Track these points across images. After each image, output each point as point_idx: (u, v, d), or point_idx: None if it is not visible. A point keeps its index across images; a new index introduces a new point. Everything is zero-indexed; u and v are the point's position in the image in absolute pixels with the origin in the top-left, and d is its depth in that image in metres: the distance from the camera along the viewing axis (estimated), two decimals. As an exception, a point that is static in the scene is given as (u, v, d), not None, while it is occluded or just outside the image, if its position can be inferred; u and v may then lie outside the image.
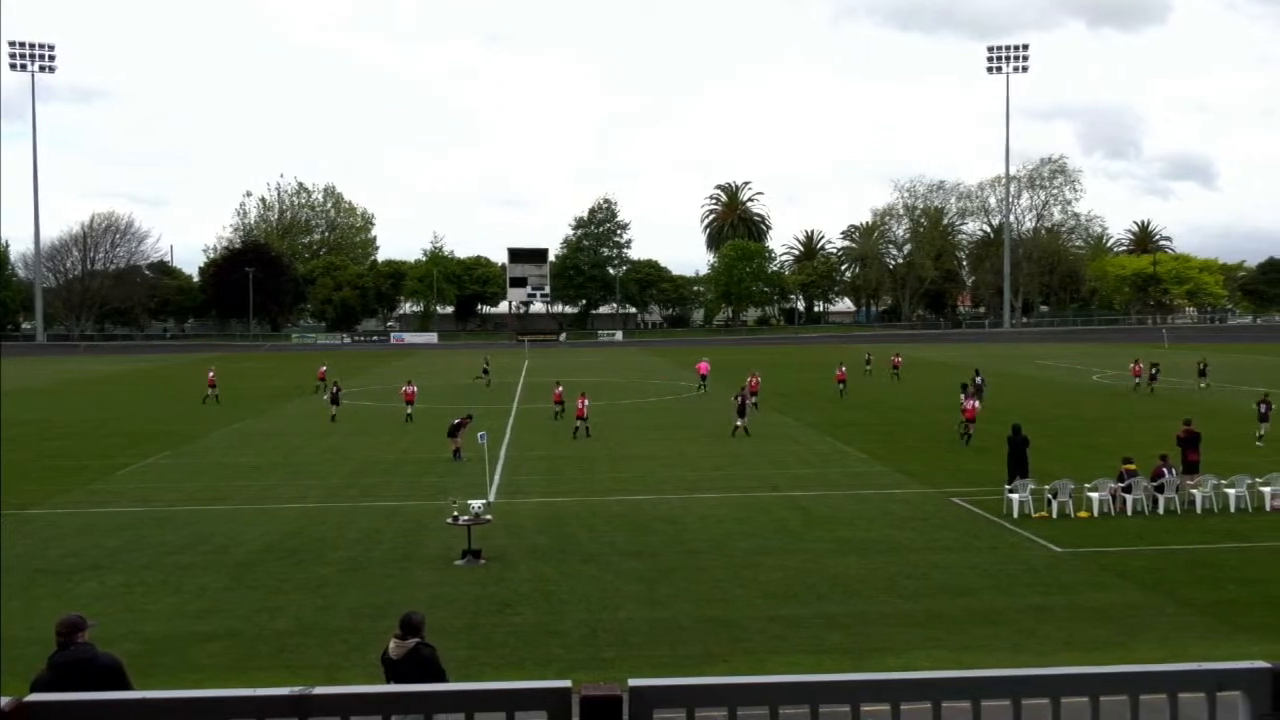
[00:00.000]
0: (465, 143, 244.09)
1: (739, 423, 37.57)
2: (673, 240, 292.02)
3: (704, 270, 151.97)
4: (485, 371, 63.63)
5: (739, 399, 38.62)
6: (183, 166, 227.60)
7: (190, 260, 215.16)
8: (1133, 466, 23.74)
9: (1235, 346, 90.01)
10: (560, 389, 44.07)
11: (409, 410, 43.28)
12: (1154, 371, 53.83)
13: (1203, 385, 54.87)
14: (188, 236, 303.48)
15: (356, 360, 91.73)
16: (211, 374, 54.66)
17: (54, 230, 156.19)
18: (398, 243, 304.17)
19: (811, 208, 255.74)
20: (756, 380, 48.41)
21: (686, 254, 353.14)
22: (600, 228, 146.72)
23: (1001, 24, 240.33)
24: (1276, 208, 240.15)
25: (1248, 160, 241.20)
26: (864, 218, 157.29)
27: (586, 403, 38.60)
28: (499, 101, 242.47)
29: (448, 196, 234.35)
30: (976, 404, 37.09)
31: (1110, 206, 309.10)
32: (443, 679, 9.13)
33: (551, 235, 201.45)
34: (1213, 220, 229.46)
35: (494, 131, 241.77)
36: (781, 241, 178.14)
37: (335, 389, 46.00)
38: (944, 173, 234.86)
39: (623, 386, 58.32)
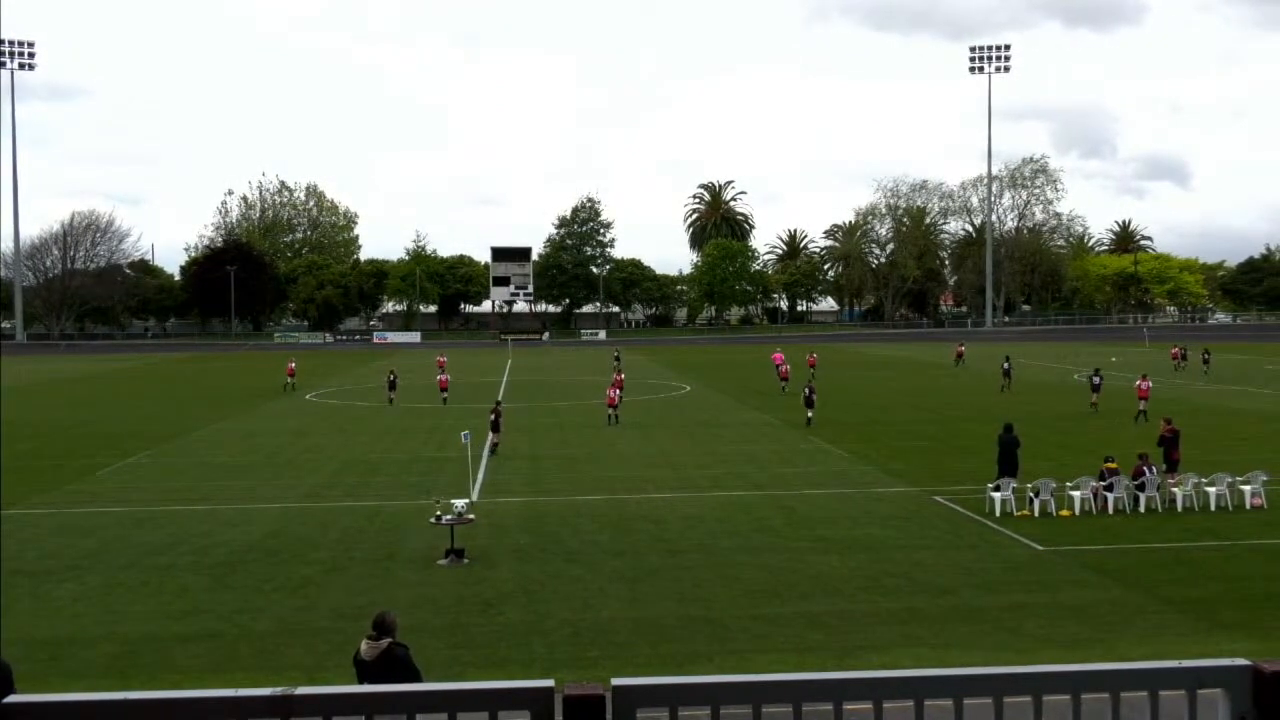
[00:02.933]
0: (447, 142, 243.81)
1: (809, 414, 39.63)
2: (656, 240, 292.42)
3: (687, 269, 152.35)
4: (617, 359, 73.78)
5: (809, 391, 40.64)
6: (162, 165, 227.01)
7: (171, 259, 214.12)
8: (1114, 465, 23.88)
9: (1216, 345, 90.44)
10: (620, 376, 47.06)
11: (444, 396, 49.22)
12: (1206, 356, 62.99)
13: (1193, 368, 62.01)
14: (169, 235, 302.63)
15: (340, 360, 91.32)
16: (292, 365, 61.06)
17: (32, 229, 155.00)
18: (380, 242, 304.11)
19: (794, 207, 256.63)
20: (786, 369, 54.68)
21: (670, 253, 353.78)
22: (583, 227, 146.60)
23: (975, 24, 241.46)
24: (1251, 209, 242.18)
25: (1222, 161, 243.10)
26: (847, 217, 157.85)
27: (618, 393, 41.52)
28: (481, 100, 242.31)
29: (430, 196, 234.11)
30: (1149, 384, 39.14)
31: (1086, 206, 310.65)
32: (417, 679, 9.06)
33: (534, 234, 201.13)
34: (1189, 220, 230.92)
35: (476, 131, 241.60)
36: (764, 241, 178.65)
37: (393, 376, 50.67)
38: (925, 172, 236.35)
39: (604, 385, 58.09)
